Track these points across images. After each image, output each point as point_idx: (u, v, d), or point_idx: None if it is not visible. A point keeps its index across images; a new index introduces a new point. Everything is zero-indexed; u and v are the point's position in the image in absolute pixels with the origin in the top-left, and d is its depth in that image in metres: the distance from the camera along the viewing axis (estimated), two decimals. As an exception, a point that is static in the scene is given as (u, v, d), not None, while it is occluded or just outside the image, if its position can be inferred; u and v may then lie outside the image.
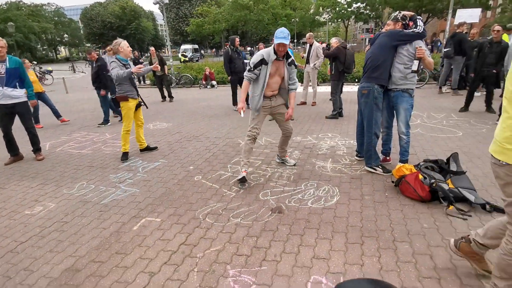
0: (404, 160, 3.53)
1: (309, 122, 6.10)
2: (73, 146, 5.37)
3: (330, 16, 38.81)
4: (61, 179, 3.90)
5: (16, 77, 4.38)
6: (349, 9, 36.12)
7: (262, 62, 3.25)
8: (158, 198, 3.22)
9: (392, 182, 3.19)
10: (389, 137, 3.78)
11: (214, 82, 12.94)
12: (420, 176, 2.89)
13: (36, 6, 53.64)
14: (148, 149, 4.78)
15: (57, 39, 57.69)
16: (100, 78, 6.69)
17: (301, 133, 5.33)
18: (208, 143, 5.08)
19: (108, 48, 7.32)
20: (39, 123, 6.98)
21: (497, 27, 5.85)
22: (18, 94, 4.42)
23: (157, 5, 15.91)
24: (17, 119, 4.56)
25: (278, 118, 3.64)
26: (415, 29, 3.23)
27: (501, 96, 5.42)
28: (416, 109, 6.63)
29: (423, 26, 3.24)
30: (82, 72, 27.77)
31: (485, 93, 6.37)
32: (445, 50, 8.43)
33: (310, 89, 7.92)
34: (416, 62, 3.18)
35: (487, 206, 2.61)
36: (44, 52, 58.55)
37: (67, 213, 3.01)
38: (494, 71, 5.88)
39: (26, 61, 6.99)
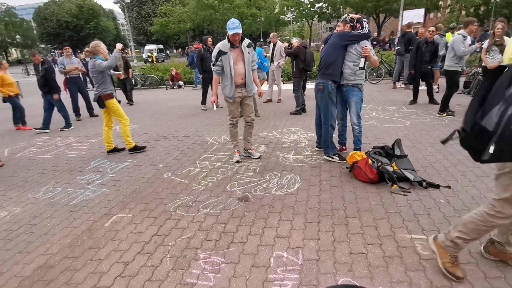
0: (357, 148, 3.91)
1: (274, 118, 6.39)
2: (34, 151, 5.20)
3: (294, 16, 39.79)
4: (25, 184, 3.82)
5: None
6: (312, 9, 37.28)
7: (220, 53, 3.59)
8: (129, 196, 3.30)
9: (347, 168, 3.55)
10: (344, 128, 4.15)
11: (181, 83, 12.87)
12: (370, 161, 3.26)
13: None
14: (115, 150, 4.78)
15: (8, 40, 53.32)
16: (49, 82, 6.31)
17: (267, 129, 5.60)
18: (177, 142, 5.18)
19: (86, 49, 7.21)
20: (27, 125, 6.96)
21: (431, 28, 6.52)
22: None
23: (118, 4, 15.48)
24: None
25: (245, 107, 3.97)
26: (361, 30, 3.60)
27: (445, 91, 6.06)
28: (372, 103, 7.21)
29: (368, 28, 3.63)
30: (38, 75, 26.03)
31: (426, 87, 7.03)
32: (397, 48, 9.15)
33: (275, 87, 8.23)
34: (362, 60, 3.56)
35: (423, 183, 3.03)
36: (-7, 55, 54.00)
37: (34, 216, 3.00)
38: (429, 67, 6.53)
39: (4, 61, 6.55)
